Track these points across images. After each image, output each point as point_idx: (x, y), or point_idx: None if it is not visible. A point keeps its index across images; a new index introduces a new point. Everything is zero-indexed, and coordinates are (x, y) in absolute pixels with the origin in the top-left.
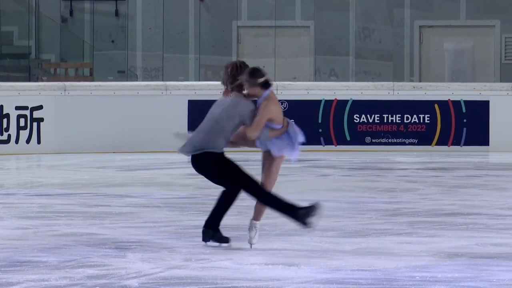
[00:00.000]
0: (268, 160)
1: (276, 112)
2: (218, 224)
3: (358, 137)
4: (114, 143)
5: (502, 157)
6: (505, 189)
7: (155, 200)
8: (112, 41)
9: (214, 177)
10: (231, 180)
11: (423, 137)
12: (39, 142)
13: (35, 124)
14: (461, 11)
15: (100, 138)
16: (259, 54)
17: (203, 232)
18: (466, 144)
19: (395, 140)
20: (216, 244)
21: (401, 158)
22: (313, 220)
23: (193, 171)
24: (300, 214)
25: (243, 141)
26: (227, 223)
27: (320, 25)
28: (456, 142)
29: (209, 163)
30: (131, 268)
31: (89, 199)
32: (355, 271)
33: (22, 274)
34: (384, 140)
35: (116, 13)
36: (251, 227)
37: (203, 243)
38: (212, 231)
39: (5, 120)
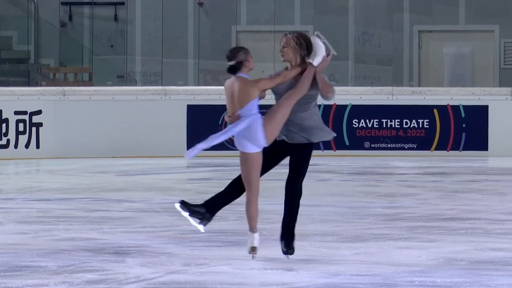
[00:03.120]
0: None
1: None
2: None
3: (357, 142)
4: (113, 147)
5: (501, 162)
6: (504, 194)
7: (154, 205)
8: (111, 46)
9: None
10: None
11: (422, 142)
12: (38, 147)
13: (34, 129)
14: (461, 16)
15: (99, 142)
16: (258, 58)
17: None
18: (465, 149)
19: (394, 145)
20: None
21: (400, 163)
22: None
23: (192, 175)
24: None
25: None
26: (226, 228)
27: (319, 30)
28: (455, 147)
29: None
30: (130, 273)
31: (89, 204)
32: (354, 276)
33: (21, 279)
34: (383, 145)
35: (115, 18)
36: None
37: (204, 248)
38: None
39: (4, 125)
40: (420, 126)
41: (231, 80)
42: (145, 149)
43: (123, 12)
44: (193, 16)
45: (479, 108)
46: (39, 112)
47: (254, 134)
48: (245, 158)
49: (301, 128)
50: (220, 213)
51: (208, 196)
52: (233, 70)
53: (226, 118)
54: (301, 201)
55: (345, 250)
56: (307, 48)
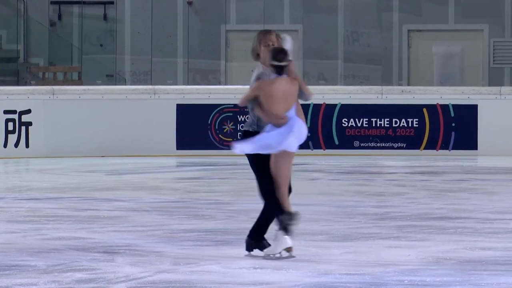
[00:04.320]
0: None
1: (266, 95)
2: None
3: (347, 141)
4: (102, 147)
5: (490, 161)
6: (494, 193)
7: (144, 204)
8: (101, 45)
9: None
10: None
11: (412, 141)
12: (27, 146)
13: (23, 128)
14: (450, 15)
15: (88, 142)
16: (248, 58)
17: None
18: (454, 148)
19: (383, 144)
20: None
21: (389, 162)
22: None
23: (182, 175)
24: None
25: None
26: (216, 227)
27: (308, 29)
28: (445, 146)
29: None
30: (120, 272)
31: (78, 203)
32: (344, 275)
33: (10, 278)
34: (372, 144)
35: (105, 17)
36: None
37: (194, 247)
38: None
39: None
40: (410, 125)
41: (278, 80)
42: (134, 148)
43: (113, 12)
44: (183, 16)
45: (468, 107)
46: (28, 111)
47: (302, 133)
48: (289, 157)
49: None
50: (209, 212)
51: (197, 196)
52: (282, 70)
53: (279, 120)
54: (291, 200)
55: (335, 249)
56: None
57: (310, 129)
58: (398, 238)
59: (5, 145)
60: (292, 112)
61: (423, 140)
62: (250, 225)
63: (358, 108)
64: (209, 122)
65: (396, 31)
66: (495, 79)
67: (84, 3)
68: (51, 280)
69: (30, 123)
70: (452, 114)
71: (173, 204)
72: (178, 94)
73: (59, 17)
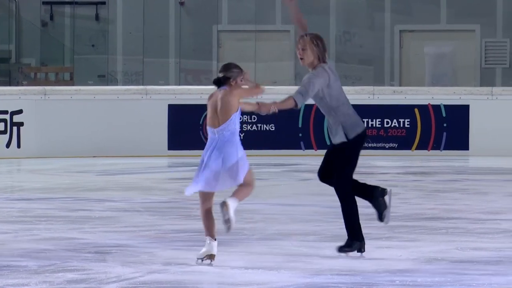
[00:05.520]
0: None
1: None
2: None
3: None
4: (94, 147)
5: (482, 161)
6: (485, 193)
7: (135, 204)
8: (93, 45)
9: None
10: None
11: (403, 142)
12: (19, 146)
13: (15, 128)
14: (442, 15)
15: (80, 142)
16: (239, 58)
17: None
18: (446, 148)
19: (375, 145)
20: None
21: (381, 162)
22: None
23: (173, 175)
24: None
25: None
26: None
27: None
28: (436, 147)
29: None
30: (111, 273)
31: (70, 204)
32: (335, 276)
33: (1, 279)
34: (364, 145)
35: (97, 17)
36: None
37: (185, 247)
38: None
39: None
40: (401, 125)
41: (214, 92)
42: (126, 149)
43: (104, 12)
44: (175, 16)
45: (460, 108)
46: (20, 111)
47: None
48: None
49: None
50: None
51: (189, 196)
52: (218, 82)
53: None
54: (283, 201)
55: (326, 250)
56: (323, 49)
57: (302, 130)
58: (390, 239)
59: None
60: (225, 126)
61: (414, 140)
62: (243, 225)
63: None
64: (200, 123)
65: (388, 32)
66: (486, 79)
67: (76, 3)
68: (42, 281)
69: (21, 124)
70: (444, 115)
71: (164, 205)
72: (169, 95)
73: (51, 18)
